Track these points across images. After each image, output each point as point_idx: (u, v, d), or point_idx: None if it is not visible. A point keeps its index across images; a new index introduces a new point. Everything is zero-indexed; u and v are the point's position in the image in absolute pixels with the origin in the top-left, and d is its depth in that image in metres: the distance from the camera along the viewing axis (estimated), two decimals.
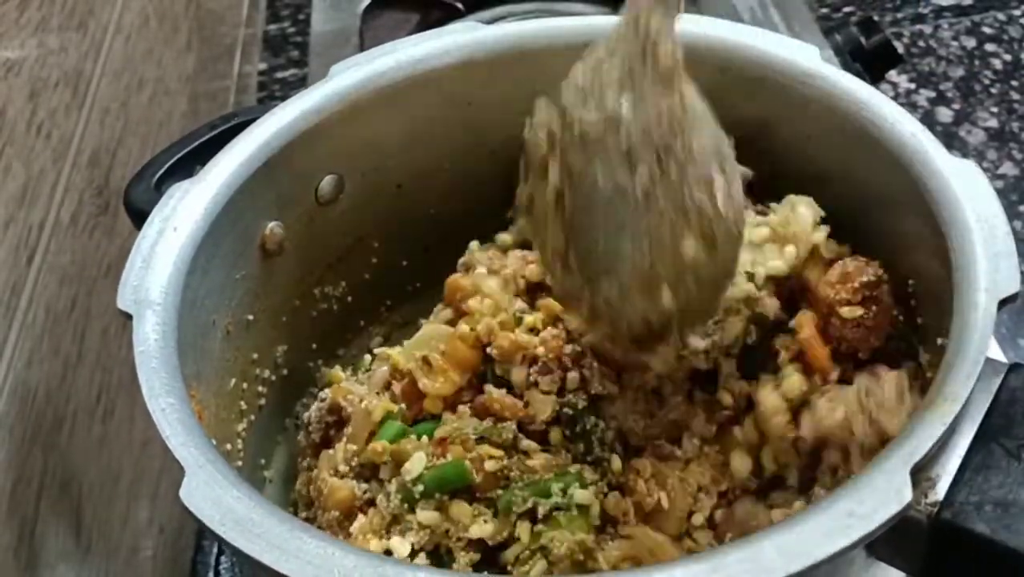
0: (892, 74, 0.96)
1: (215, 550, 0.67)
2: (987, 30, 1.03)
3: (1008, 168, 0.89)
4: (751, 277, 0.51)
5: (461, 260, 0.58)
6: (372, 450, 0.49)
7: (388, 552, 0.46)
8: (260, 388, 0.57)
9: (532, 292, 0.55)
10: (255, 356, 0.56)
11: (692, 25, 0.57)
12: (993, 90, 0.96)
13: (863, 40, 0.88)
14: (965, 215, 0.46)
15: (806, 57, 0.55)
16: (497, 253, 0.58)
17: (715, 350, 0.50)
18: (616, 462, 0.49)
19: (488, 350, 0.51)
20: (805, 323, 0.50)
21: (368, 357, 0.59)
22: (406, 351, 0.53)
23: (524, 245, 0.59)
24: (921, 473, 0.39)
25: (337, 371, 0.58)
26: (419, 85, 0.58)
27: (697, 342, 0.50)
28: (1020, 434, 0.41)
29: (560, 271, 0.46)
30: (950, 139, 0.91)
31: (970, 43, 1.02)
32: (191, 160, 0.58)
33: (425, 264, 0.60)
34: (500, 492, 0.47)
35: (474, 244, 0.58)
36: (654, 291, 0.43)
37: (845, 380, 0.51)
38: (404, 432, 0.50)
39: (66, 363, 0.57)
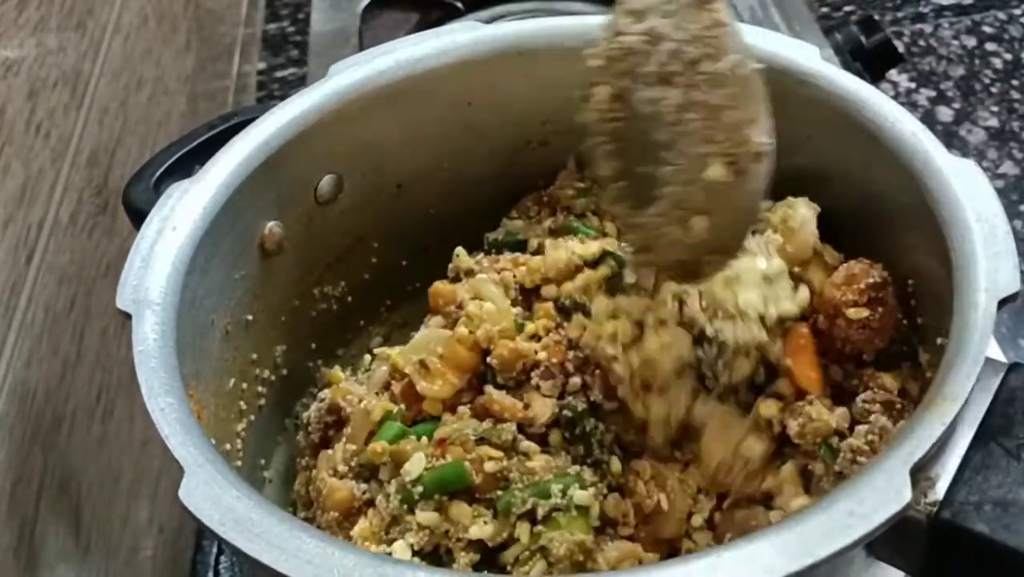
0: (892, 73, 0.97)
1: (215, 550, 0.67)
2: (987, 29, 1.03)
3: (1008, 167, 0.89)
4: (763, 320, 0.50)
5: (450, 266, 0.58)
6: (372, 451, 0.49)
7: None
8: (259, 388, 0.57)
9: (526, 294, 0.55)
10: (254, 356, 0.56)
11: None
12: (993, 89, 0.96)
13: (863, 39, 0.88)
14: (965, 215, 0.46)
15: (806, 57, 0.55)
16: (489, 258, 0.58)
17: (724, 390, 0.50)
18: (616, 464, 0.49)
19: (488, 359, 0.51)
20: (797, 352, 0.50)
21: (368, 357, 0.59)
22: (404, 353, 0.53)
23: (513, 246, 0.59)
24: (921, 473, 0.39)
25: (337, 371, 0.58)
26: (419, 85, 0.58)
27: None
28: (1019, 434, 0.41)
29: (612, 197, 0.46)
30: (950, 138, 0.91)
31: (970, 42, 1.02)
32: (190, 160, 0.58)
33: (425, 264, 0.60)
34: (500, 493, 0.47)
35: (460, 250, 0.58)
36: (687, 218, 0.44)
37: (848, 382, 0.51)
38: (403, 433, 0.50)
39: (65, 363, 0.57)
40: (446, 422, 0.50)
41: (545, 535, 0.45)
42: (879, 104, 0.52)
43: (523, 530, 0.46)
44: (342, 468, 0.51)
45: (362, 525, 0.48)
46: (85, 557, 0.56)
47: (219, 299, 0.52)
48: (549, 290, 0.54)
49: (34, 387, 0.53)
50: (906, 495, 0.37)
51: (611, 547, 0.47)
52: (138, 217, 0.53)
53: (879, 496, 0.37)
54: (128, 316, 0.46)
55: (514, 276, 0.55)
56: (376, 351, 0.57)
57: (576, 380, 0.50)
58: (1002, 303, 0.43)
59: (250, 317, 0.55)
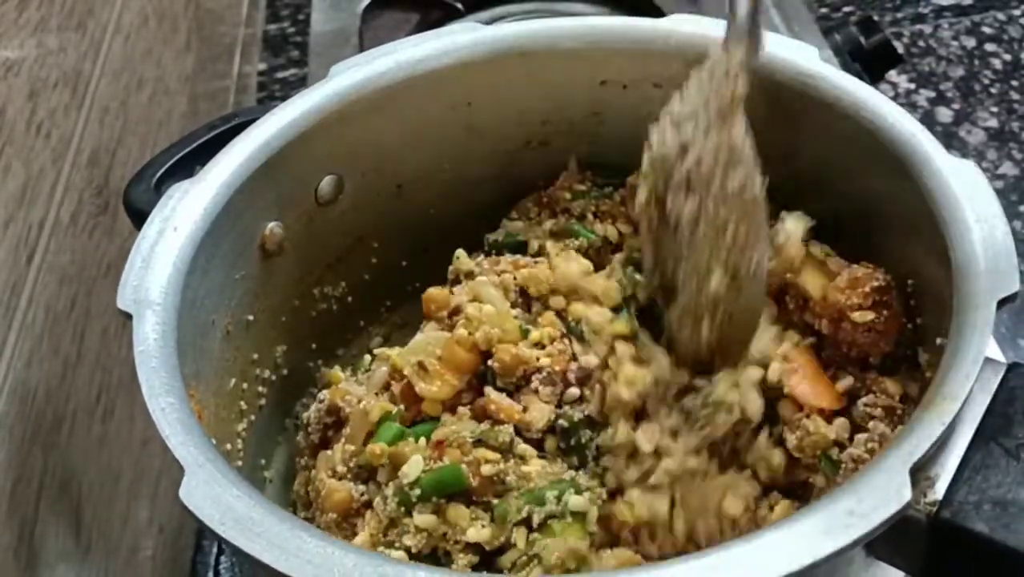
0: (892, 74, 0.97)
1: (215, 550, 0.67)
2: (987, 30, 1.03)
3: (1008, 168, 0.89)
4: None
5: (450, 268, 0.58)
6: (370, 452, 0.49)
7: None
8: (260, 388, 0.57)
9: (526, 296, 0.55)
10: (255, 356, 0.56)
11: (692, 25, 0.57)
12: (993, 90, 0.97)
13: (863, 40, 0.88)
14: (965, 215, 0.46)
15: (806, 57, 0.55)
16: (489, 260, 0.58)
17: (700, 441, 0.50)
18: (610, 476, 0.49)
19: (489, 362, 0.51)
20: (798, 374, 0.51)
21: (368, 357, 0.59)
22: (403, 354, 0.53)
23: (514, 247, 0.59)
24: (920, 472, 0.39)
25: (336, 371, 0.58)
26: (419, 85, 0.58)
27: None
28: (1019, 433, 0.41)
29: (648, 287, 0.51)
30: (950, 139, 0.91)
31: (970, 43, 1.02)
32: (191, 160, 0.58)
33: (425, 264, 0.60)
34: (496, 501, 0.47)
35: (460, 252, 0.58)
36: (697, 322, 0.47)
37: (851, 386, 0.51)
38: (402, 434, 0.50)
39: (66, 363, 0.57)
40: (445, 423, 0.50)
41: (539, 543, 0.45)
42: (878, 105, 0.52)
43: (519, 536, 0.46)
44: (341, 469, 0.51)
45: (362, 537, 0.47)
46: (85, 557, 0.56)
47: (220, 299, 0.52)
48: (557, 301, 0.54)
49: (35, 387, 0.53)
50: (906, 495, 0.37)
51: (609, 555, 0.47)
52: (139, 217, 0.53)
53: (879, 496, 0.37)
54: (129, 316, 0.46)
55: (514, 278, 0.55)
56: (376, 352, 0.57)
57: (575, 391, 0.51)
58: (1002, 303, 0.43)
59: (251, 317, 0.55)
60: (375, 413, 0.51)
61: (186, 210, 0.51)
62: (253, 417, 0.55)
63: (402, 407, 0.52)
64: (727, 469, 0.49)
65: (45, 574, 0.51)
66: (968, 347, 0.41)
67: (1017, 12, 1.04)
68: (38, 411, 0.53)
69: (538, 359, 0.51)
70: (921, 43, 1.02)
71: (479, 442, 0.48)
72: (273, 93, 1.04)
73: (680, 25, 0.57)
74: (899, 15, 1.06)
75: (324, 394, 0.55)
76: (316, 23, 1.04)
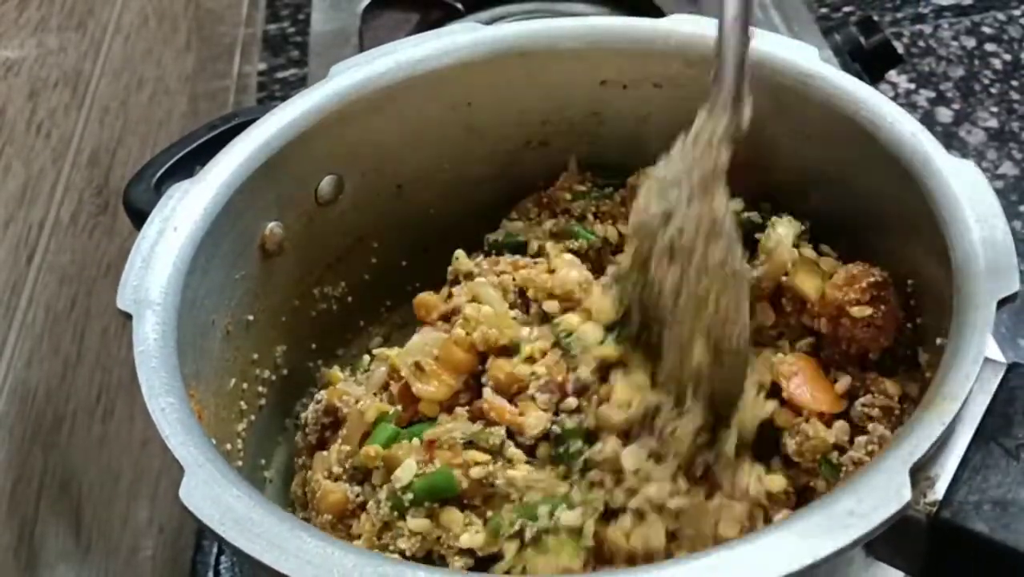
0: (892, 74, 0.97)
1: (215, 550, 0.67)
2: (987, 30, 1.03)
3: (1008, 168, 0.89)
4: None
5: (450, 268, 0.58)
6: (364, 454, 0.49)
7: None
8: (260, 388, 0.57)
9: (525, 297, 0.55)
10: (255, 356, 0.56)
11: (692, 25, 0.57)
12: (993, 90, 0.97)
13: (862, 40, 0.88)
14: (965, 215, 0.46)
15: (805, 57, 0.55)
16: (488, 260, 0.58)
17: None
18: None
19: (483, 379, 0.51)
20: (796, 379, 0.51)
21: (367, 358, 0.59)
22: (402, 355, 0.53)
23: (514, 248, 0.59)
24: (920, 472, 0.39)
25: (336, 371, 0.58)
26: (419, 85, 0.58)
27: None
28: (1019, 434, 0.41)
29: (629, 342, 0.49)
30: (950, 139, 0.91)
31: (970, 43, 1.02)
32: (191, 160, 0.58)
33: (425, 264, 0.60)
34: (490, 512, 0.46)
35: (460, 252, 0.58)
36: (681, 389, 0.46)
37: (851, 385, 0.51)
38: (397, 435, 0.50)
39: (66, 363, 0.57)
40: (440, 423, 0.50)
41: (530, 560, 0.45)
42: (878, 105, 0.52)
43: (510, 548, 0.45)
44: (337, 469, 0.50)
45: (359, 542, 0.47)
46: (85, 557, 0.56)
47: (220, 299, 0.52)
48: (551, 305, 0.54)
49: (35, 387, 0.53)
50: (906, 495, 0.37)
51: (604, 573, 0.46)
52: (139, 217, 0.53)
53: (879, 496, 0.37)
54: (128, 316, 0.46)
55: (513, 279, 0.55)
56: (375, 352, 0.57)
57: (572, 401, 0.50)
58: (1001, 303, 0.43)
59: (251, 317, 0.55)
60: (371, 414, 0.51)
61: (186, 210, 0.51)
62: (253, 417, 0.55)
63: (399, 408, 0.52)
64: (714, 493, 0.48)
65: (45, 574, 0.51)
66: (968, 347, 0.41)
67: (1017, 12, 1.04)
68: (38, 411, 0.53)
69: (533, 373, 0.50)
70: (921, 43, 1.02)
71: (470, 444, 0.48)
72: (273, 93, 1.04)
73: (680, 25, 0.57)
74: (899, 15, 1.06)
75: (322, 394, 0.55)
76: (316, 23, 1.04)
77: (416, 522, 0.46)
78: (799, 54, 0.55)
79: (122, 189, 0.58)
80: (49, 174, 0.58)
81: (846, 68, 0.76)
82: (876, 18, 0.91)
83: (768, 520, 0.48)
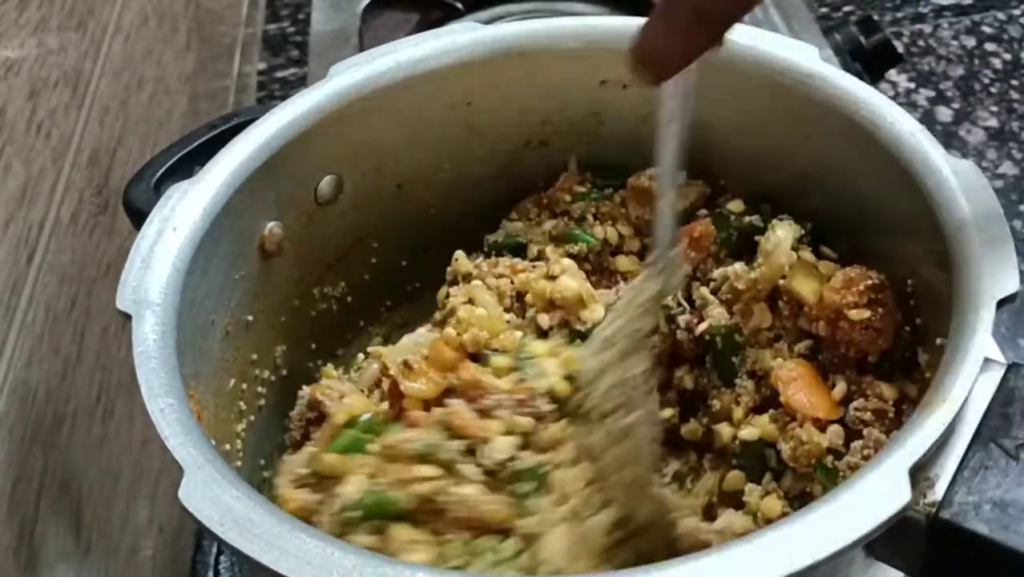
0: (892, 73, 0.96)
1: (215, 550, 0.67)
2: (987, 29, 1.03)
3: (1008, 168, 0.89)
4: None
5: (449, 268, 0.58)
6: (319, 460, 0.48)
7: None
8: (259, 388, 0.57)
9: (522, 301, 0.55)
10: (254, 356, 0.56)
11: None
12: (993, 90, 0.96)
13: (863, 39, 0.88)
14: (964, 215, 0.46)
15: (806, 57, 0.55)
16: (488, 262, 0.58)
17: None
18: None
19: (451, 376, 0.50)
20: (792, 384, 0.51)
21: (361, 356, 0.59)
22: (392, 352, 0.53)
23: (513, 248, 0.59)
24: (920, 473, 0.39)
25: (329, 369, 0.58)
26: (419, 85, 0.58)
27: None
28: (1018, 434, 0.41)
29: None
30: (950, 139, 0.91)
31: (970, 42, 1.02)
32: (190, 160, 0.58)
33: (425, 264, 0.60)
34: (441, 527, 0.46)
35: (460, 253, 0.58)
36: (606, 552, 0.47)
37: (849, 393, 0.51)
38: (359, 443, 0.49)
39: (66, 363, 0.57)
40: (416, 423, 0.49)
41: None
42: (878, 104, 0.52)
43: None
44: (303, 472, 0.49)
45: None
46: (85, 557, 0.56)
47: (219, 299, 0.52)
48: (544, 319, 0.54)
49: (35, 387, 0.53)
50: (905, 495, 0.37)
51: None
52: (138, 217, 0.53)
53: (878, 496, 0.37)
54: (128, 317, 0.46)
55: (512, 282, 0.55)
56: (370, 349, 0.57)
57: (530, 422, 0.49)
58: (1001, 303, 0.43)
59: (250, 317, 0.55)
60: (341, 416, 0.50)
61: (185, 210, 0.51)
62: (252, 417, 0.55)
63: (387, 405, 0.51)
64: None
65: (45, 574, 0.51)
66: (968, 347, 0.41)
67: (1017, 12, 1.04)
68: (38, 411, 0.53)
69: (498, 387, 0.49)
70: (921, 43, 1.02)
71: (424, 456, 0.47)
72: (273, 93, 1.04)
73: None
74: (899, 15, 1.06)
75: (306, 389, 0.54)
76: (316, 23, 1.04)
77: (362, 539, 0.45)
78: (799, 54, 0.55)
79: (122, 189, 0.58)
80: (49, 174, 0.58)
81: (846, 68, 0.76)
82: (876, 18, 0.91)
83: None
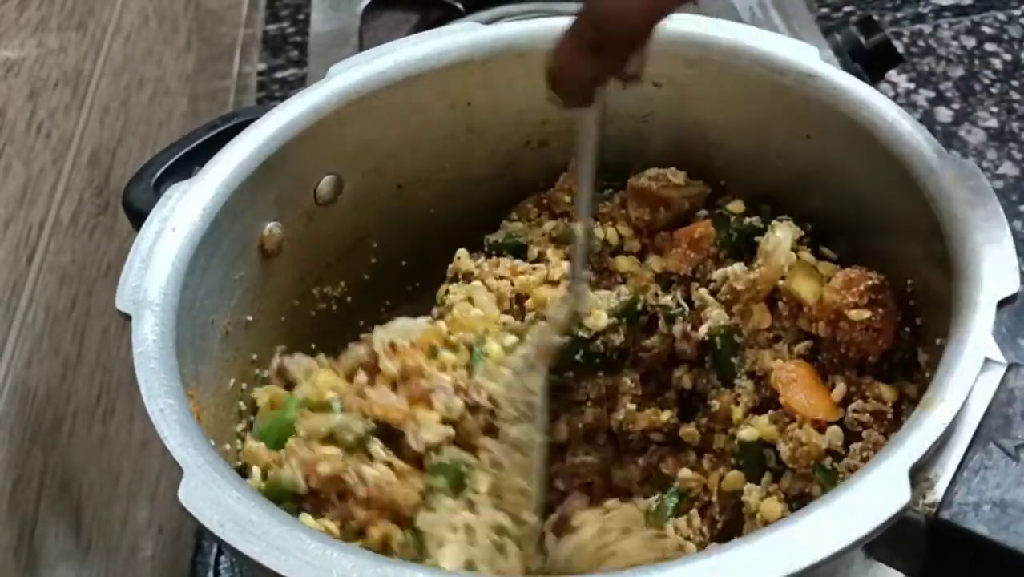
0: (892, 74, 0.96)
1: (214, 550, 0.67)
2: (987, 30, 1.03)
3: (1008, 168, 0.89)
4: None
5: (450, 266, 0.58)
6: (246, 449, 0.49)
7: None
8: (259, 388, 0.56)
9: (521, 304, 0.55)
10: (254, 356, 0.56)
11: (692, 25, 0.57)
12: (993, 90, 0.96)
13: (863, 40, 0.88)
14: (965, 216, 0.46)
15: (806, 57, 0.55)
16: (488, 262, 0.58)
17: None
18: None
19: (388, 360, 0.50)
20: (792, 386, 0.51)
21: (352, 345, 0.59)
22: (381, 333, 0.52)
23: (514, 248, 0.59)
24: (919, 473, 0.39)
25: (320, 358, 0.58)
26: (419, 85, 0.58)
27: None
28: (1018, 434, 0.41)
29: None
30: (950, 139, 0.91)
31: (970, 43, 1.02)
32: (190, 160, 0.58)
33: (425, 264, 0.60)
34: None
35: (462, 252, 0.58)
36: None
37: (849, 394, 0.51)
38: (288, 426, 0.49)
39: (66, 363, 0.57)
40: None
41: None
42: (878, 104, 0.52)
43: None
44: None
45: None
46: (85, 557, 0.56)
47: (219, 300, 0.52)
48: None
49: (35, 387, 0.53)
50: (905, 496, 0.37)
51: None
52: (138, 218, 0.53)
53: (878, 497, 0.37)
54: (128, 317, 0.46)
55: (511, 284, 0.55)
56: (363, 336, 0.57)
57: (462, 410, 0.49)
58: (1001, 303, 0.43)
59: (250, 317, 0.55)
60: (263, 398, 0.51)
61: (185, 210, 0.51)
62: (252, 418, 0.55)
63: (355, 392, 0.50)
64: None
65: (45, 574, 0.51)
66: (968, 348, 0.41)
67: (1017, 12, 1.04)
68: (38, 411, 0.53)
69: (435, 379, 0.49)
70: (921, 43, 1.02)
71: (330, 437, 0.47)
72: (273, 93, 1.04)
73: (680, 25, 0.57)
74: (899, 15, 1.06)
75: (276, 360, 0.54)
76: (316, 23, 1.04)
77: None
78: (799, 54, 0.55)
79: (122, 189, 0.58)
80: (49, 174, 0.58)
81: (846, 68, 0.76)
82: (876, 18, 0.91)
83: None
